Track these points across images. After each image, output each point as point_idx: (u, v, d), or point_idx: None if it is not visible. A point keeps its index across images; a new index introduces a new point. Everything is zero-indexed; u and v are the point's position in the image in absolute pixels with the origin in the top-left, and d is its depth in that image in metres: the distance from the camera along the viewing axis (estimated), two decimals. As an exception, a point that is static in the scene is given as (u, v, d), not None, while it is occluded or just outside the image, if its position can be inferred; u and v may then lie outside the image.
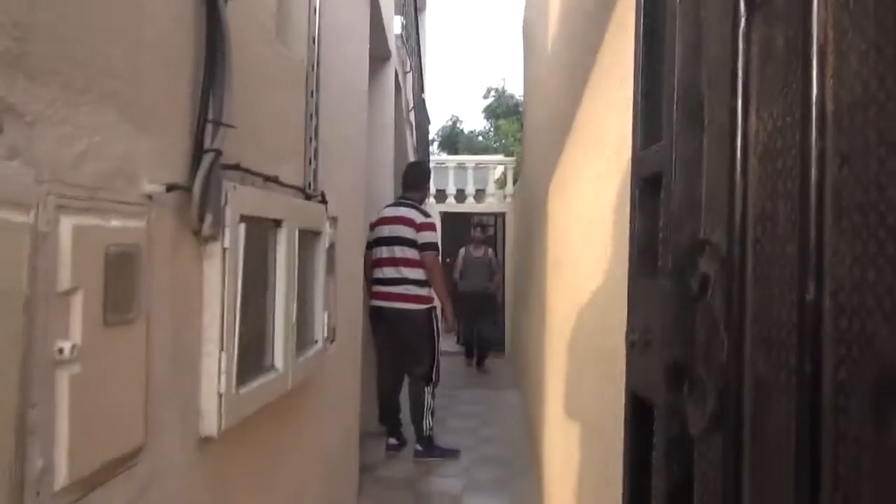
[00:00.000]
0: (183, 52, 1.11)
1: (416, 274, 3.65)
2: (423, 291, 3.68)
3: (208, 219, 1.15)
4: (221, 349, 1.22)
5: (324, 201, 2.17)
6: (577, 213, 2.28)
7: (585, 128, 2.07)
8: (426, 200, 4.07)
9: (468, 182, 9.74)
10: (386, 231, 3.71)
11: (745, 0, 0.50)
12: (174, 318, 1.07)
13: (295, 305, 1.68)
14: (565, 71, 2.73)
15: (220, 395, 1.19)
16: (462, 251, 7.21)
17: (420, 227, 3.66)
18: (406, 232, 3.65)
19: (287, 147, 1.82)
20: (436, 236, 3.73)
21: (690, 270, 0.56)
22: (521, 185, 7.63)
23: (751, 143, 0.50)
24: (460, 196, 9.77)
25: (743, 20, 0.50)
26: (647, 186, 0.78)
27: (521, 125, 11.70)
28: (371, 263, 3.73)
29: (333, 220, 2.43)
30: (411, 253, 3.64)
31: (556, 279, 2.94)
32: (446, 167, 9.73)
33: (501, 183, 10.57)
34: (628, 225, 0.84)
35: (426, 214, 3.78)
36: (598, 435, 1.67)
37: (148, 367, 0.97)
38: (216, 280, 1.22)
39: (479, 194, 10.05)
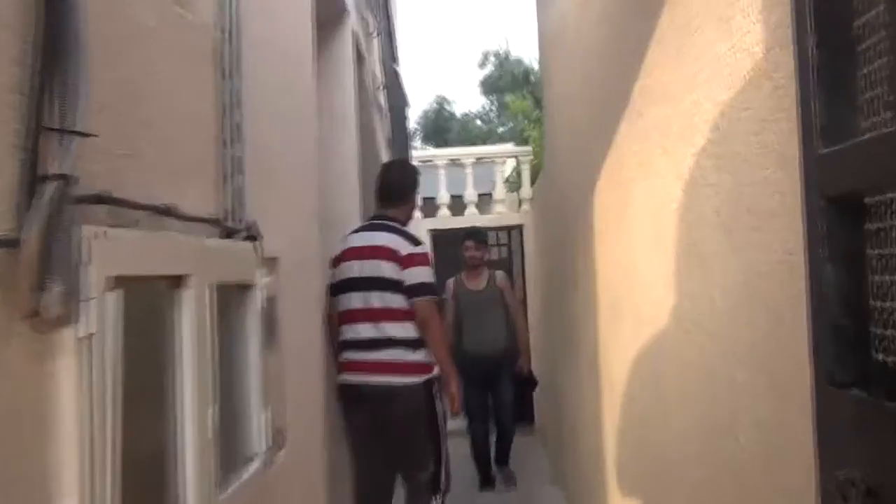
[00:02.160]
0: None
1: (406, 331, 3.48)
2: (417, 356, 3.51)
3: (52, 290, 1.06)
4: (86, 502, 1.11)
5: (254, 237, 2.10)
6: (652, 234, 2.22)
7: (668, 101, 1.98)
8: (413, 217, 3.96)
9: (466, 184, 9.67)
10: (356, 269, 3.56)
11: None
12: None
13: (215, 408, 1.61)
14: (623, 11, 2.62)
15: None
16: (450, 284, 6.08)
17: (407, 261, 3.50)
18: (386, 269, 3.50)
19: (190, 159, 1.73)
20: (430, 273, 3.59)
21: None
22: (543, 185, 7.56)
23: None
24: (456, 205, 9.70)
25: None
26: (839, 212, 0.60)
27: (538, 101, 11.61)
28: (336, 319, 3.59)
29: (271, 262, 2.36)
30: (396, 300, 3.48)
31: (615, 333, 2.83)
32: (435, 166, 9.68)
33: (514, 183, 10.52)
34: (766, 265, 0.68)
35: (416, 241, 3.63)
36: None
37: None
38: (70, 392, 1.10)
39: (484, 201, 10.00)
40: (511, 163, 10.80)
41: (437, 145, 21.70)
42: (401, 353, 3.46)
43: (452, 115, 25.28)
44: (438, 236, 8.75)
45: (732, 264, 1.53)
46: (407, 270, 3.47)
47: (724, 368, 1.60)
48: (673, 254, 1.98)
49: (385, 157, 6.64)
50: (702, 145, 1.69)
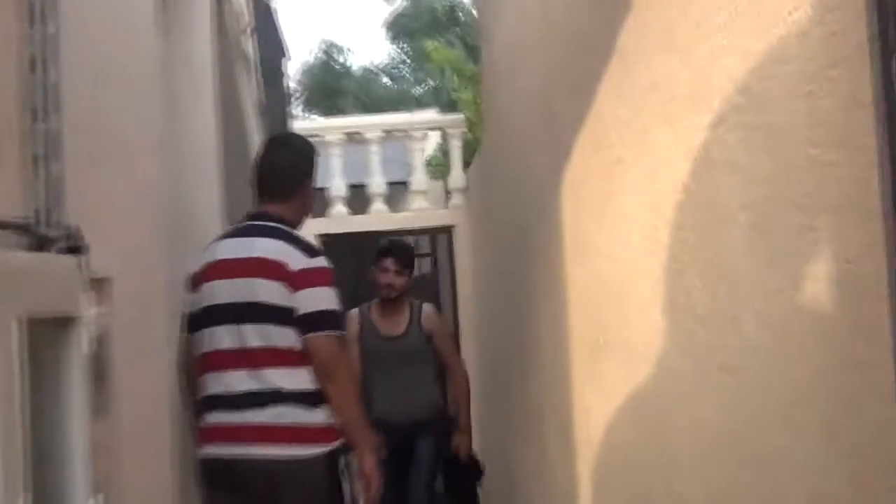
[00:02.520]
0: None
1: (298, 380, 3.44)
2: (316, 417, 3.46)
3: None
4: None
5: (77, 249, 2.08)
6: (649, 238, 2.26)
7: (673, 50, 2.03)
8: (307, 216, 3.94)
9: (370, 169, 9.69)
10: (224, 292, 3.50)
11: None
12: None
13: (26, 499, 1.62)
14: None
15: None
16: (353, 319, 5.93)
17: (300, 280, 3.45)
18: (268, 291, 3.44)
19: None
20: (333, 297, 3.56)
21: None
22: (483, 168, 7.61)
23: None
24: (357, 199, 9.70)
25: None
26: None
27: (471, 49, 11.67)
28: (196, 366, 3.55)
29: (101, 286, 2.34)
30: (283, 336, 3.43)
31: (596, 377, 2.87)
32: (324, 143, 9.63)
33: (439, 167, 10.55)
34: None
35: (312, 250, 3.58)
36: None
37: None
38: None
39: (396, 193, 10.01)
40: (434, 138, 10.85)
41: (327, 113, 21.66)
42: (291, 411, 3.43)
43: (347, 69, 25.27)
44: (331, 244, 8.68)
45: (769, 279, 1.56)
46: (300, 293, 3.44)
47: (761, 426, 1.63)
48: (680, 265, 2.02)
49: (255, 130, 6.58)
50: (722, 113, 1.73)
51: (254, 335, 3.47)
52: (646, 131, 2.22)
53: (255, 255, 3.51)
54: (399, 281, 5.75)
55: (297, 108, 21.41)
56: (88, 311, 2.14)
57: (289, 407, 3.44)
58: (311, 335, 3.44)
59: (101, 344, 2.29)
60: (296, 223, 3.71)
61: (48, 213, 1.96)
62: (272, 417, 3.45)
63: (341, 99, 23.24)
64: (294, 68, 24.01)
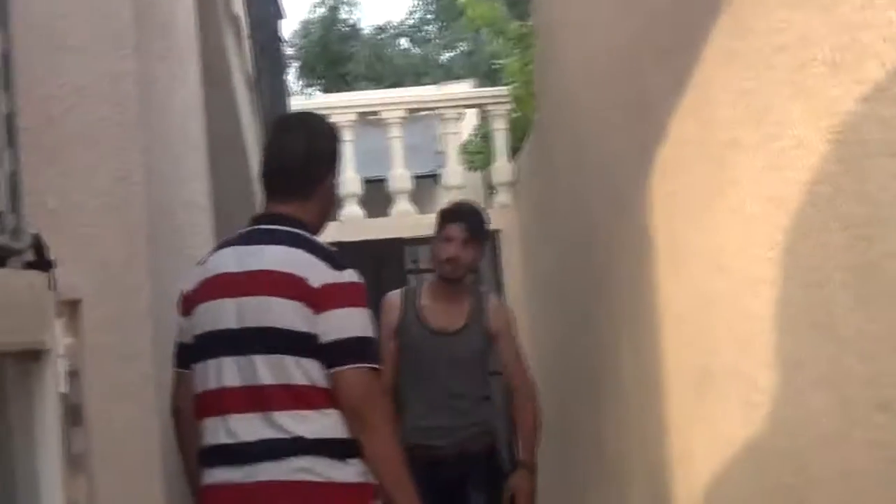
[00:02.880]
0: None
1: (322, 426, 3.43)
2: (346, 472, 3.45)
3: None
4: None
5: (44, 264, 2.13)
6: (778, 245, 2.24)
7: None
8: (329, 218, 3.94)
9: (392, 159, 9.74)
10: (227, 315, 3.50)
11: None
12: None
13: None
14: None
15: None
16: (395, 300, 5.70)
17: (325, 298, 3.42)
18: (282, 313, 3.44)
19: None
20: (366, 320, 3.52)
21: None
22: (538, 156, 7.60)
23: None
24: (375, 196, 9.74)
25: None
26: None
27: (517, 3, 11.72)
28: (192, 408, 3.58)
29: (69, 309, 2.40)
30: (302, 369, 3.45)
31: (705, 421, 2.86)
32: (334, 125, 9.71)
33: (478, 155, 10.55)
34: None
35: (337, 262, 3.57)
36: None
37: None
38: None
39: (425, 188, 10.03)
40: (471, 118, 10.85)
41: (330, 86, 21.71)
42: (315, 465, 3.44)
43: (356, 31, 25.38)
44: (343, 255, 8.71)
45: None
46: (324, 316, 3.44)
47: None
48: (820, 275, 2.01)
49: (245, 108, 6.60)
50: (878, 82, 1.71)
51: (266, 369, 3.46)
52: (770, 106, 2.20)
53: (266, 267, 3.50)
54: (467, 254, 5.37)
55: (295, 83, 21.54)
56: (58, 342, 2.17)
57: (312, 459, 3.44)
58: (339, 369, 3.43)
59: (73, 382, 2.33)
60: (316, 228, 3.70)
61: (3, 219, 1.97)
62: (291, 473, 3.42)
63: (348, 68, 23.29)
64: (289, 30, 24.17)
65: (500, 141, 9.66)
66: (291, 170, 3.73)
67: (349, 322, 3.49)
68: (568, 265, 5.95)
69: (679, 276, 3.10)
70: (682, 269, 3.06)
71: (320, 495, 3.46)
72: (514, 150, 9.55)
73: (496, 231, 9.42)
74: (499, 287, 9.47)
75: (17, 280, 1.96)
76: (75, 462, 2.27)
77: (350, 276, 3.53)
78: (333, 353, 3.44)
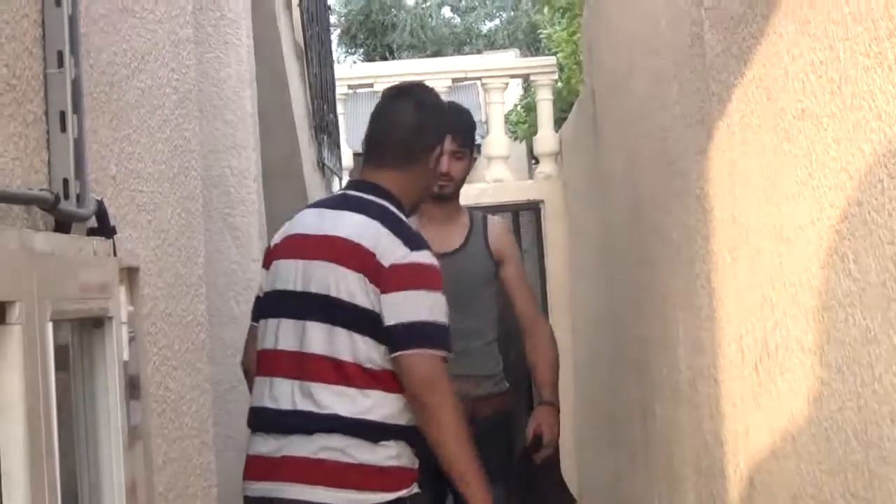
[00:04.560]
0: None
1: (363, 407, 3.42)
2: (375, 455, 3.39)
3: None
4: None
5: (106, 230, 2.17)
6: (838, 224, 2.22)
7: None
8: (424, 196, 3.92)
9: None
10: (291, 275, 3.52)
11: None
12: None
13: None
14: None
15: None
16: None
17: (391, 277, 3.41)
18: (344, 283, 3.42)
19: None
20: (439, 305, 3.44)
21: None
22: (582, 126, 7.58)
23: None
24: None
25: None
26: None
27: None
28: (255, 366, 3.59)
29: (129, 277, 2.42)
30: (353, 346, 3.44)
31: (764, 396, 2.82)
32: (374, 94, 9.72)
33: (522, 125, 10.57)
34: None
35: (414, 239, 3.52)
36: None
37: None
38: None
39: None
40: (515, 89, 10.84)
41: (370, 55, 21.76)
42: (345, 445, 3.42)
43: (401, 3, 25.33)
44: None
45: None
46: (391, 297, 3.43)
47: None
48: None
49: (294, 79, 6.62)
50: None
51: (316, 338, 3.45)
52: (847, 76, 2.16)
53: (338, 234, 3.51)
54: (457, 167, 4.88)
55: (338, 54, 21.59)
56: (123, 311, 2.19)
57: (345, 440, 3.40)
58: (401, 353, 3.39)
59: (132, 353, 2.35)
60: (409, 203, 3.71)
61: (69, 185, 2.00)
62: (318, 451, 3.42)
63: (390, 38, 23.29)
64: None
65: (545, 111, 9.69)
66: (396, 140, 3.71)
67: (415, 305, 3.46)
68: (616, 236, 5.95)
69: (739, 248, 3.07)
70: (742, 240, 3.03)
71: (347, 476, 3.42)
72: (559, 122, 9.56)
73: (540, 202, 9.46)
74: (541, 256, 9.50)
75: (85, 247, 2.00)
76: (133, 432, 2.27)
77: (425, 257, 3.49)
78: (396, 337, 3.42)
